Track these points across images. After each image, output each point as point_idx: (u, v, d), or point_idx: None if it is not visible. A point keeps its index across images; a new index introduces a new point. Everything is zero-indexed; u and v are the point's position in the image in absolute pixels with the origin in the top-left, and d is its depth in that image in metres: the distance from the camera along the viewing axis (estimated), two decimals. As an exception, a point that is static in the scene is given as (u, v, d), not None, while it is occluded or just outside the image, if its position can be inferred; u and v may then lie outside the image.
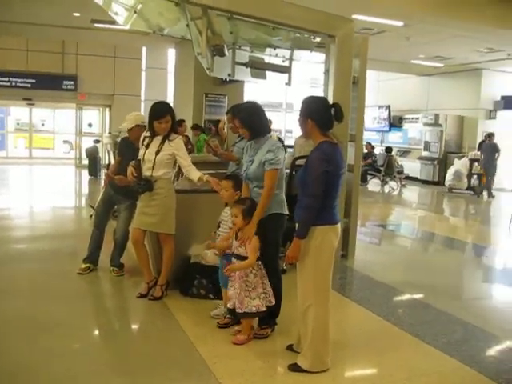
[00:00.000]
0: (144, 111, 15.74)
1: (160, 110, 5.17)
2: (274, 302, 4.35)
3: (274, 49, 7.65)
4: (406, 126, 21.00)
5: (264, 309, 4.29)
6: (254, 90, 17.16)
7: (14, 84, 18.76)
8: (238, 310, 4.27)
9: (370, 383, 3.94)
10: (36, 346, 4.22)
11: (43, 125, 23.93)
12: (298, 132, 10.99)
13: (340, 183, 3.87)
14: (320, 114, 3.85)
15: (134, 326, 5.05)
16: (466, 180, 16.25)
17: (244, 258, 4.25)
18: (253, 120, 4.47)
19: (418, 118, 19.81)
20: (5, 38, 17.79)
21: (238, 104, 5.66)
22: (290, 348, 4.22)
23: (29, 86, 18.86)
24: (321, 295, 3.87)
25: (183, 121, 10.55)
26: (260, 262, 4.31)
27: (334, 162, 3.75)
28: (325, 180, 3.70)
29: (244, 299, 4.25)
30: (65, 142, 23.38)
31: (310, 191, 3.74)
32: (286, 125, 23.61)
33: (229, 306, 4.40)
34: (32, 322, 4.69)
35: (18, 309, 5.03)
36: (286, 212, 4.49)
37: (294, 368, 3.90)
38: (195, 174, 5.06)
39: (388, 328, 4.94)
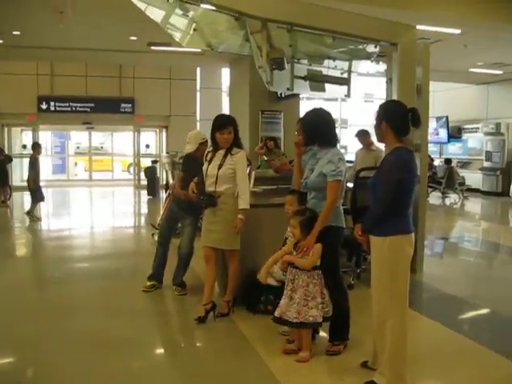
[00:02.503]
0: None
1: (222, 120, 5.14)
2: (330, 313, 4.21)
3: (333, 60, 7.54)
4: (465, 136, 20.46)
5: (320, 320, 4.16)
6: (309, 106, 17.07)
7: (74, 109, 19.35)
8: (294, 320, 4.13)
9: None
10: (104, 364, 4.20)
11: (102, 148, 24.50)
12: (353, 147, 10.85)
13: (414, 191, 3.72)
14: (396, 118, 3.73)
15: (203, 344, 4.98)
16: (531, 190, 15.67)
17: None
18: (317, 127, 4.36)
19: (477, 128, 19.32)
20: (64, 64, 18.42)
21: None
22: (364, 365, 4.06)
23: (88, 110, 19.42)
24: (398, 308, 3.71)
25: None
26: (320, 272, 4.19)
27: (409, 168, 3.64)
28: (397, 188, 3.57)
29: (302, 309, 4.12)
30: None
31: (379, 197, 3.63)
32: (341, 140, 23.39)
33: (276, 314, 4.24)
34: (99, 340, 4.68)
35: (86, 326, 5.05)
36: (344, 224, 4.39)
37: (371, 386, 3.74)
38: (242, 202, 4.98)
39: (465, 343, 4.74)
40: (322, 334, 4.57)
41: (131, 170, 21.07)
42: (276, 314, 4.23)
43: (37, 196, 11.97)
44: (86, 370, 4.08)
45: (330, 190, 4.18)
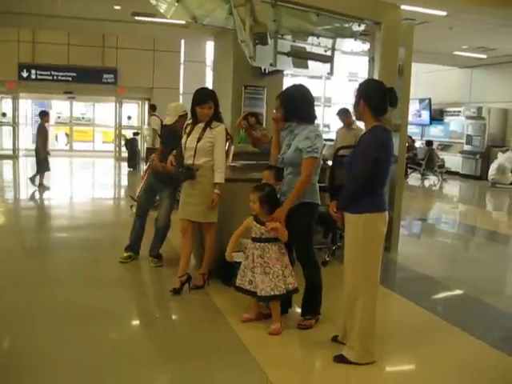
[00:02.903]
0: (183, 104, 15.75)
1: (203, 95, 5.11)
2: (295, 286, 4.29)
3: (317, 37, 7.52)
4: (447, 119, 20.57)
5: (297, 285, 4.28)
6: (292, 83, 17.02)
7: (55, 78, 19.05)
8: (264, 294, 4.20)
9: (418, 376, 3.83)
10: (81, 333, 4.23)
11: (83, 118, 24.21)
12: (336, 126, 10.87)
13: (390, 170, 3.76)
14: (374, 97, 3.75)
15: (177, 315, 5.03)
16: (510, 174, 15.84)
17: (273, 240, 4.25)
18: (296, 103, 4.36)
19: (459, 111, 19.39)
20: (47, 32, 18.12)
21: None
22: (334, 339, 4.13)
23: (70, 79, 19.15)
24: (370, 286, 3.78)
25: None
26: (283, 245, 4.29)
27: (386, 147, 3.68)
28: (373, 166, 3.61)
29: (280, 280, 4.20)
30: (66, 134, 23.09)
31: (355, 175, 3.67)
32: (325, 119, 23.40)
33: (258, 293, 4.25)
34: (77, 309, 4.70)
35: (64, 296, 5.06)
36: (319, 201, 4.42)
37: (340, 359, 3.81)
38: (218, 176, 5.00)
39: (435, 321, 4.82)
40: (295, 308, 4.63)
41: (117, 141, 20.85)
42: (258, 292, 4.23)
43: (43, 165, 11.96)
44: (63, 339, 4.09)
45: (304, 166, 4.20)
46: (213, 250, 5.24)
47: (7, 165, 17.65)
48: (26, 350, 3.89)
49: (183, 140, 5.16)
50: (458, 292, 5.92)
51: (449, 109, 20.34)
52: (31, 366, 3.66)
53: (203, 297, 5.11)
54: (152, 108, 13.63)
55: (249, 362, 3.80)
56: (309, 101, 4.46)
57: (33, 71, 18.77)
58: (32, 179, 11.99)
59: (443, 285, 6.06)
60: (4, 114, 20.34)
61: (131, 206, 9.12)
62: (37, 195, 11.35)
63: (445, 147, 19.97)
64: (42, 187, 11.89)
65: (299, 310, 4.54)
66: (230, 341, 4.14)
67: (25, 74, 18.69)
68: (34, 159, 12.20)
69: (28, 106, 22.42)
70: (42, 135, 12.07)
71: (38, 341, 4.05)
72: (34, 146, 12.77)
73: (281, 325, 4.30)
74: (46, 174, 12.19)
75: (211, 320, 4.58)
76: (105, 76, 19.39)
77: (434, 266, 6.85)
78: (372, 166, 3.62)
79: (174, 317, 5.04)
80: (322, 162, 4.59)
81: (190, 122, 5.23)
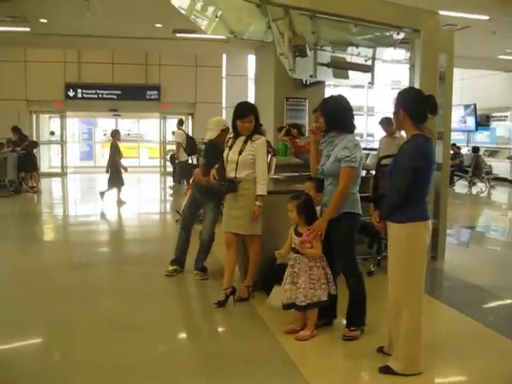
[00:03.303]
0: (225, 118, 15.92)
1: (243, 109, 5.16)
2: (335, 292, 4.34)
3: (357, 47, 7.51)
4: (493, 124, 20.15)
5: (325, 298, 4.28)
6: (331, 94, 16.97)
7: (100, 96, 19.50)
8: (302, 304, 4.24)
9: (467, 388, 3.77)
10: (125, 343, 4.33)
11: (128, 134, 24.67)
12: (379, 135, 10.79)
13: (432, 178, 3.74)
14: (414, 105, 3.73)
15: (222, 327, 5.06)
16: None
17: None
18: (337, 113, 4.38)
19: (506, 116, 18.98)
20: (91, 51, 18.62)
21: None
22: (380, 350, 4.10)
23: (114, 97, 19.56)
24: (415, 295, 3.74)
25: (261, 125, 10.55)
26: (322, 255, 4.30)
27: (426, 156, 3.65)
28: (413, 176, 3.59)
29: (308, 292, 4.22)
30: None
31: (395, 184, 3.66)
32: (368, 128, 23.25)
33: (284, 302, 4.35)
34: (123, 321, 4.81)
35: (111, 308, 5.19)
36: (360, 211, 4.40)
37: (385, 370, 3.78)
38: (259, 188, 5.05)
39: (484, 331, 4.71)
40: (341, 320, 4.61)
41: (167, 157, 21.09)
42: (284, 301, 4.33)
43: (117, 181, 12.55)
44: (107, 349, 4.20)
45: (342, 176, 4.21)
46: (257, 262, 5.27)
47: (56, 182, 18.10)
48: (69, 359, 4.01)
49: (225, 153, 5.23)
50: (508, 301, 5.77)
51: (495, 114, 19.93)
52: (74, 375, 3.75)
53: (248, 309, 5.14)
54: (180, 123, 13.99)
55: (293, 372, 3.80)
56: (348, 110, 4.46)
57: (79, 90, 19.28)
58: (102, 194, 12.45)
59: (491, 294, 5.92)
60: (52, 133, 20.95)
61: (176, 221, 9.24)
62: (86, 211, 11.62)
63: (492, 153, 19.56)
64: (120, 202, 12.43)
65: (345, 322, 4.51)
66: (274, 352, 4.15)
67: (71, 94, 19.21)
68: (84, 176, 12.51)
69: (75, 125, 23.03)
70: (115, 152, 12.55)
71: (84, 352, 4.15)
72: (81, 164, 13.12)
73: (311, 333, 4.34)
74: (94, 187, 12.45)
75: (256, 331, 4.60)
76: (148, 93, 19.75)
77: (482, 275, 6.69)
78: (412, 176, 3.59)
79: (218, 328, 5.07)
80: (362, 172, 4.58)
81: (231, 135, 5.30)
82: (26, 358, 4.11)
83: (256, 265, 5.28)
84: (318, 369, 3.87)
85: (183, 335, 4.87)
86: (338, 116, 4.39)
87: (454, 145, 17.65)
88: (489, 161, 18.14)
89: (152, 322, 4.83)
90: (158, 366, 3.92)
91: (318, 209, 4.77)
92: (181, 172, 13.75)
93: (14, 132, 15.08)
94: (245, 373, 3.82)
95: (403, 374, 3.71)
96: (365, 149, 12.65)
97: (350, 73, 7.91)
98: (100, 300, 5.44)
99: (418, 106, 3.72)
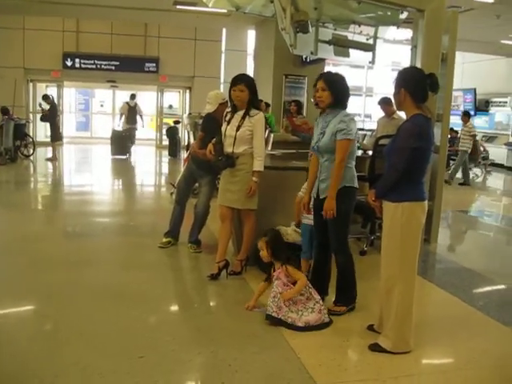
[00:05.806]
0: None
1: (235, 77, 5.14)
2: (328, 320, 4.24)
3: (359, 26, 7.44)
4: (492, 109, 20.08)
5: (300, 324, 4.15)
6: (328, 71, 16.86)
7: (98, 67, 19.29)
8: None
9: (455, 367, 3.80)
10: (118, 313, 4.34)
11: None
12: (377, 116, 10.77)
13: (430, 159, 3.73)
14: (414, 84, 3.70)
15: (214, 300, 5.08)
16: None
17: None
18: (345, 90, 4.37)
19: (505, 102, 18.91)
20: (90, 21, 18.40)
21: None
22: (370, 328, 4.13)
23: (113, 68, 19.35)
24: (407, 274, 3.75)
25: (261, 100, 10.50)
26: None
27: (426, 136, 3.63)
28: (412, 155, 3.58)
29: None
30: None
31: (394, 163, 3.65)
32: (366, 109, 23.14)
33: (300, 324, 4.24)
34: (116, 292, 4.82)
35: (104, 278, 5.19)
36: (357, 186, 4.40)
37: (375, 348, 3.81)
38: (257, 164, 5.04)
39: (474, 314, 4.75)
40: (332, 297, 4.63)
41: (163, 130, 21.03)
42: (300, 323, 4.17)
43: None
44: (101, 319, 4.21)
45: (338, 149, 4.19)
46: (251, 236, 5.26)
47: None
48: (64, 328, 4.03)
49: (223, 128, 5.20)
50: (499, 286, 5.82)
51: (494, 99, 19.85)
52: (69, 342, 3.77)
53: (240, 282, 5.16)
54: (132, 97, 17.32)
55: (284, 346, 3.83)
56: (348, 87, 4.45)
57: (77, 60, 19.05)
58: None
59: (483, 277, 5.95)
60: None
61: (171, 193, 9.24)
62: (81, 181, 11.58)
63: (489, 139, 19.52)
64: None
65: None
66: (265, 325, 4.16)
67: (69, 63, 18.98)
68: (78, 146, 12.44)
69: (72, 95, 22.83)
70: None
71: (75, 319, 4.18)
72: (78, 134, 13.07)
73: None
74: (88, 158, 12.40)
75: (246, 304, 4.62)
76: (147, 65, 19.55)
77: (474, 259, 6.74)
78: (411, 155, 3.58)
79: (211, 301, 5.10)
80: (358, 152, 4.58)
81: (229, 110, 5.27)
82: (15, 324, 4.12)
83: (250, 239, 5.27)
84: (308, 344, 3.90)
85: (176, 307, 4.90)
86: (346, 93, 4.38)
87: (452, 129, 17.60)
88: (486, 146, 18.11)
89: (145, 293, 4.84)
90: (150, 336, 3.93)
91: (299, 194, 4.82)
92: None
93: (45, 100, 15.15)
94: (236, 345, 3.84)
95: (392, 352, 3.74)
96: (362, 129, 12.63)
97: (352, 51, 7.85)
98: (92, 270, 5.44)
99: (419, 84, 3.69)
